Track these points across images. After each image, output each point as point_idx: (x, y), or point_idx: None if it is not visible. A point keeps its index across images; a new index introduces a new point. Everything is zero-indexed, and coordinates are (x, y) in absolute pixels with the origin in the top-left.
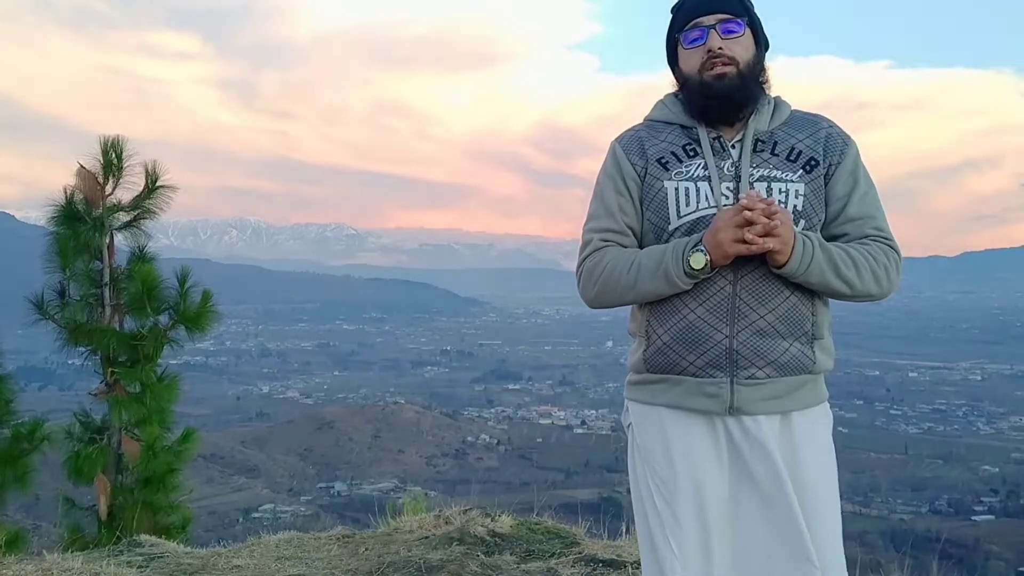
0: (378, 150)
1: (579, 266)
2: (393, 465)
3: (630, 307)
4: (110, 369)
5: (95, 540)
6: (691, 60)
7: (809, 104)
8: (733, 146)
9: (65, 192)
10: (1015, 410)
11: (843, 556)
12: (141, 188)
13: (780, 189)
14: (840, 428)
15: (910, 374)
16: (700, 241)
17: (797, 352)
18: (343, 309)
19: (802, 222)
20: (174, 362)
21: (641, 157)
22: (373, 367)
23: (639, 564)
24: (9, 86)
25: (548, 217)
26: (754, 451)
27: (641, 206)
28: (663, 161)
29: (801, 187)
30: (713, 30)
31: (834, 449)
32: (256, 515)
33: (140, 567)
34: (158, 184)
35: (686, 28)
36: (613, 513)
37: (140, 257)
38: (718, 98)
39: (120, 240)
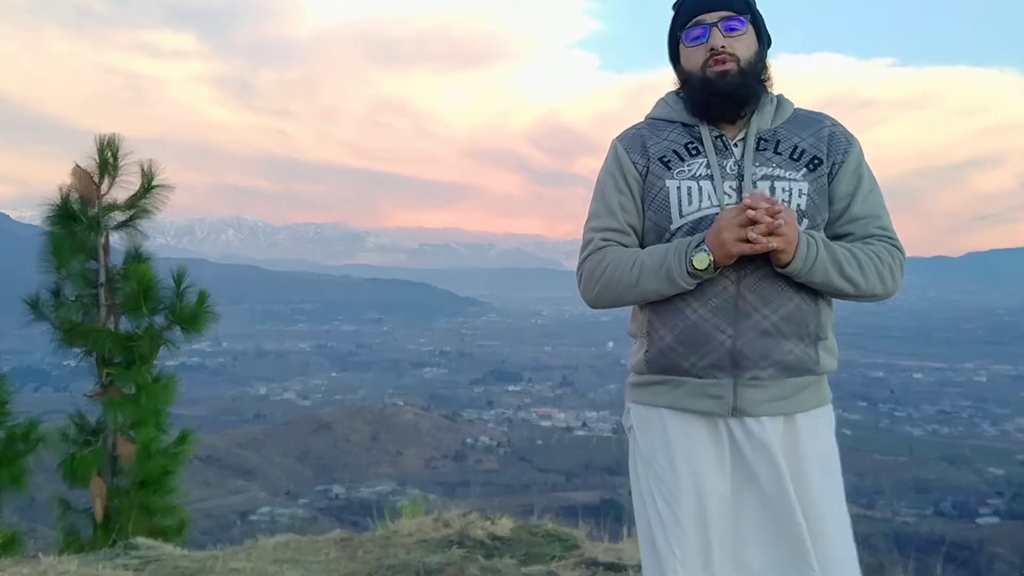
0: (377, 149)
1: (580, 266)
2: (392, 467)
3: (631, 308)
4: (105, 370)
5: (91, 543)
6: (693, 58)
7: (811, 102)
8: (736, 144)
9: (60, 191)
10: (1020, 411)
11: (853, 559)
12: (137, 187)
13: (783, 188)
14: (844, 430)
15: (914, 375)
16: (703, 241)
17: (801, 353)
18: (341, 309)
19: (805, 221)
20: (170, 363)
21: (643, 155)
22: (372, 368)
23: (640, 567)
24: (5, 85)
25: (548, 217)
26: (756, 453)
27: (643, 205)
28: (665, 160)
29: (804, 186)
30: (715, 28)
31: (838, 451)
32: (253, 518)
33: (136, 570)
34: (154, 183)
35: (688, 25)
36: (614, 516)
37: (136, 257)
38: (720, 95)
39: (116, 240)
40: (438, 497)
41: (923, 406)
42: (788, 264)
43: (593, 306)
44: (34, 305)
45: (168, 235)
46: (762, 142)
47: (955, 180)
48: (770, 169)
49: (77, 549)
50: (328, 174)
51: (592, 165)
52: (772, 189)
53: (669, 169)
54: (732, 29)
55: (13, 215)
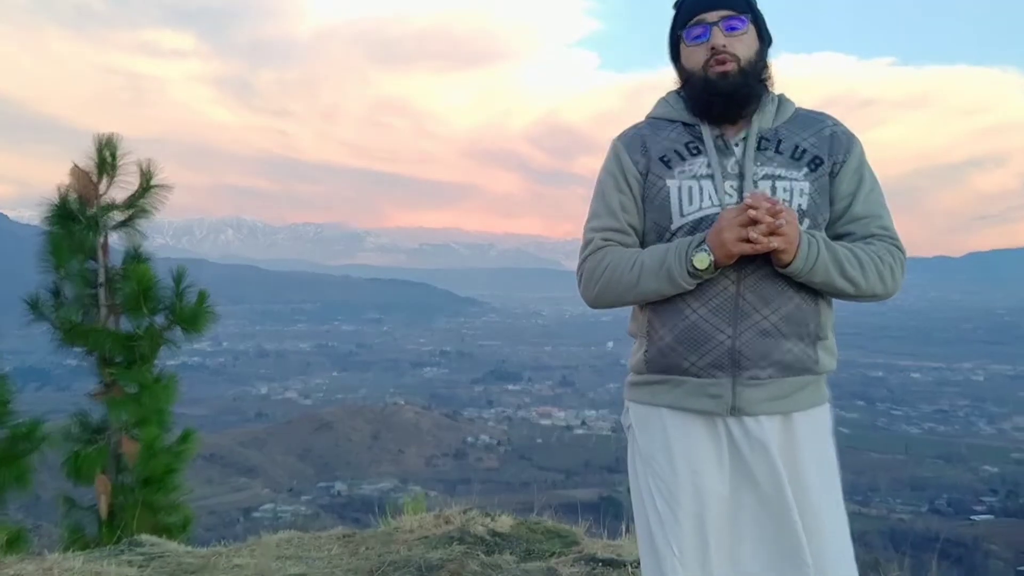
0: (376, 149)
1: (580, 266)
2: (393, 465)
3: (631, 307)
4: (106, 370)
5: (96, 540)
6: (694, 57)
7: (812, 101)
8: (736, 144)
9: (59, 191)
10: (1017, 410)
11: (850, 557)
12: (136, 187)
13: (784, 187)
14: (841, 428)
15: (913, 375)
16: (703, 240)
17: (800, 352)
18: (342, 309)
19: (807, 221)
20: (171, 363)
21: (643, 155)
22: (372, 367)
23: (639, 563)
24: (4, 85)
25: (548, 217)
26: (755, 452)
27: (643, 205)
28: (665, 159)
29: (806, 185)
30: (716, 27)
31: (835, 450)
32: (256, 515)
33: (141, 566)
34: (153, 183)
35: (689, 24)
36: (613, 513)
37: (135, 257)
38: (721, 95)
39: (115, 240)
40: (439, 494)
41: (920, 405)
42: (789, 264)
43: (593, 306)
44: (34, 305)
45: (167, 235)
46: (763, 141)
47: (956, 180)
48: (771, 169)
49: (82, 546)
50: (328, 174)
51: (592, 165)
52: (773, 189)
53: (670, 169)
54: (733, 28)
55: (12, 215)
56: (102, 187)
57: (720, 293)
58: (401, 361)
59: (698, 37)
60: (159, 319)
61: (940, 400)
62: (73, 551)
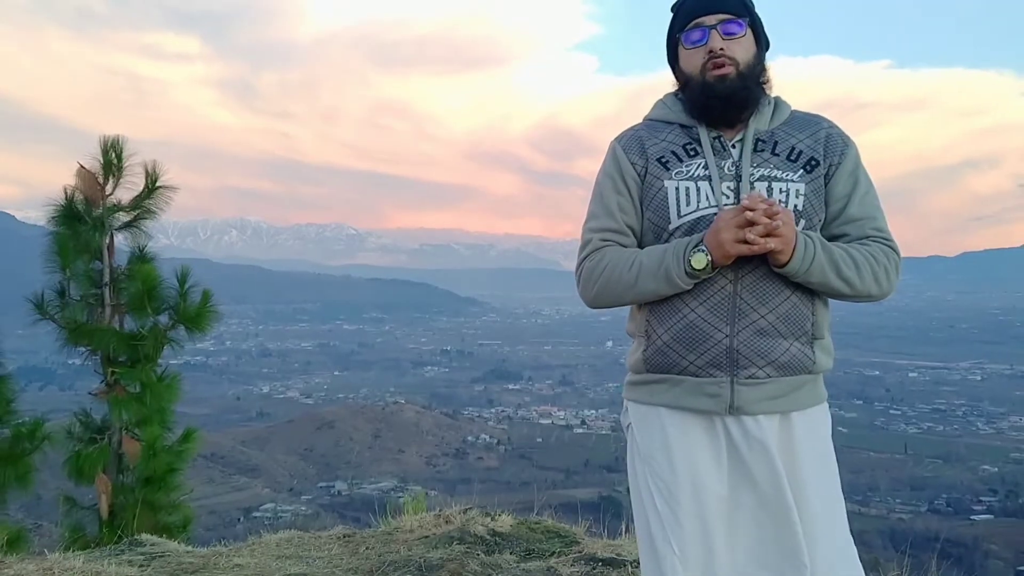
0: (378, 151)
1: (578, 266)
2: (393, 465)
3: (629, 307)
4: (110, 369)
5: (96, 539)
6: (692, 60)
7: (809, 104)
8: (734, 146)
9: (65, 192)
10: (1015, 410)
11: (851, 556)
12: (141, 188)
13: (781, 189)
14: (840, 428)
15: (910, 374)
16: (701, 241)
17: (797, 352)
18: (343, 309)
19: (802, 222)
20: (174, 362)
21: (641, 156)
22: (373, 367)
23: (639, 563)
24: (9, 86)
25: (548, 217)
26: (753, 451)
27: (641, 205)
28: (663, 160)
29: (802, 187)
30: (714, 30)
31: (833, 450)
32: (257, 514)
33: (141, 566)
34: (158, 184)
35: (687, 28)
36: (613, 512)
37: (140, 257)
38: (719, 98)
39: (120, 240)
40: (439, 494)
41: (918, 404)
42: (786, 264)
43: (592, 306)
44: (39, 305)
45: (172, 236)
46: (760, 143)
47: (951, 181)
48: (768, 170)
49: (83, 546)
50: (330, 175)
51: (591, 167)
52: (769, 190)
53: (667, 170)
54: (731, 32)
55: (18, 215)
56: (108, 188)
57: (718, 292)
58: (402, 361)
59: (696, 40)
60: (163, 319)
61: (938, 399)
62: (74, 551)
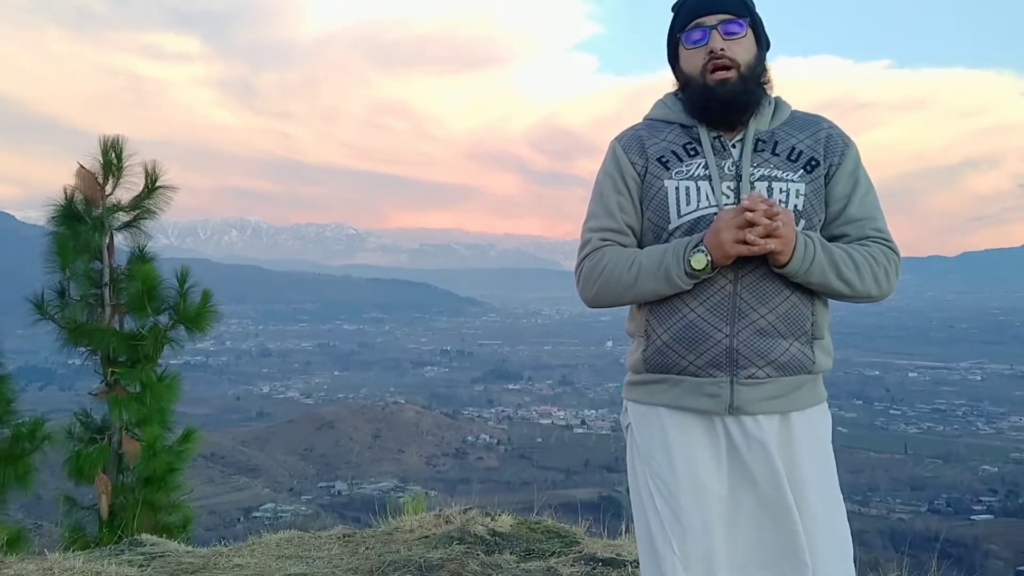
0: (378, 151)
1: (578, 265)
2: (393, 465)
3: (629, 307)
4: (110, 369)
5: (96, 539)
6: (692, 60)
7: (809, 104)
8: (734, 146)
9: (65, 192)
10: (1015, 410)
11: (848, 556)
12: (141, 188)
13: (781, 189)
14: (840, 428)
15: (910, 374)
16: (701, 241)
17: (797, 352)
18: (343, 309)
19: (802, 222)
20: (174, 362)
21: (641, 156)
22: (373, 367)
23: (639, 563)
24: (9, 86)
25: (548, 217)
26: (753, 451)
27: (641, 205)
28: (663, 160)
29: (802, 187)
30: (715, 31)
31: (832, 450)
32: (257, 514)
33: (141, 566)
34: (158, 184)
35: (688, 28)
36: (613, 512)
37: (140, 257)
38: (719, 102)
39: (120, 240)
40: (439, 494)
41: (918, 404)
42: (786, 265)
43: (591, 305)
44: (39, 305)
45: (172, 236)
46: (760, 143)
47: (951, 181)
48: (768, 170)
49: (82, 546)
50: (330, 175)
51: (591, 167)
52: (769, 190)
53: (667, 169)
54: (732, 32)
55: (18, 215)
56: (108, 188)
57: (717, 292)
58: (402, 361)
59: (697, 41)
60: (163, 319)
61: (937, 400)
62: (74, 551)
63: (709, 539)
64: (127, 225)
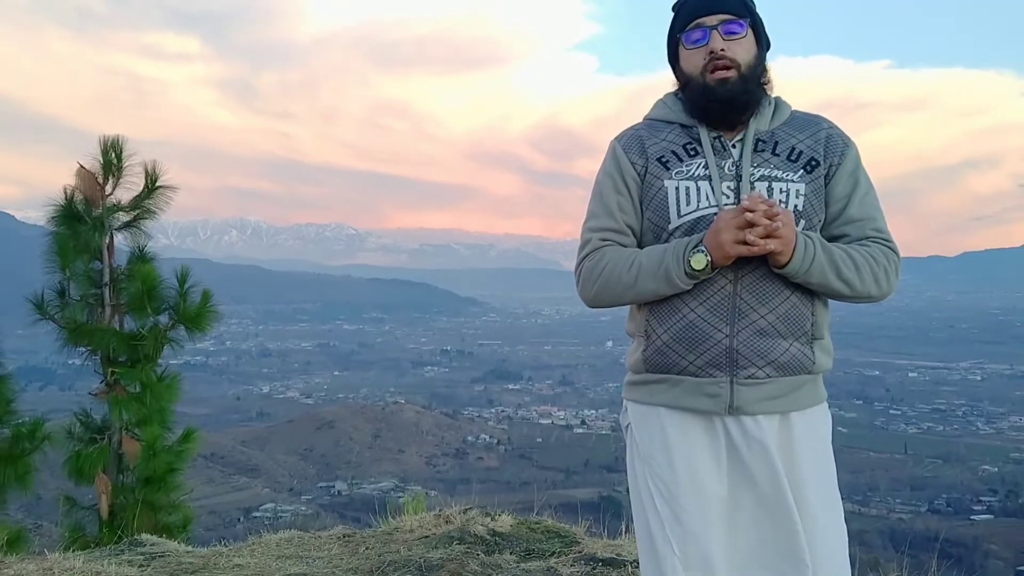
0: (378, 151)
1: (578, 265)
2: (393, 465)
3: (629, 307)
4: (110, 369)
5: (96, 539)
6: (693, 60)
7: (809, 104)
8: (734, 146)
9: (65, 192)
10: (1015, 410)
11: (845, 557)
12: (141, 188)
13: (781, 189)
14: (840, 428)
15: (910, 374)
16: (701, 241)
17: (797, 352)
18: (343, 309)
19: (802, 222)
20: (174, 362)
21: (641, 156)
22: (373, 367)
23: (639, 563)
24: (9, 86)
25: (548, 217)
26: (753, 451)
27: (641, 205)
28: (663, 160)
29: (802, 187)
30: (715, 31)
31: (832, 450)
32: (257, 514)
33: (141, 566)
34: (158, 184)
35: (688, 28)
36: (613, 512)
37: (140, 257)
38: (720, 102)
39: (120, 240)
40: (439, 494)
41: (918, 404)
42: (786, 265)
43: (591, 305)
44: (39, 305)
45: (171, 236)
46: (760, 143)
47: (951, 181)
48: (768, 170)
49: (82, 546)
50: (330, 175)
51: (591, 166)
52: (769, 190)
53: (667, 169)
54: (732, 33)
55: (18, 215)
56: (108, 188)
57: (717, 292)
58: (402, 361)
59: (697, 41)
60: (163, 319)
61: (937, 400)
62: (74, 551)
63: (709, 539)
64: (127, 225)
